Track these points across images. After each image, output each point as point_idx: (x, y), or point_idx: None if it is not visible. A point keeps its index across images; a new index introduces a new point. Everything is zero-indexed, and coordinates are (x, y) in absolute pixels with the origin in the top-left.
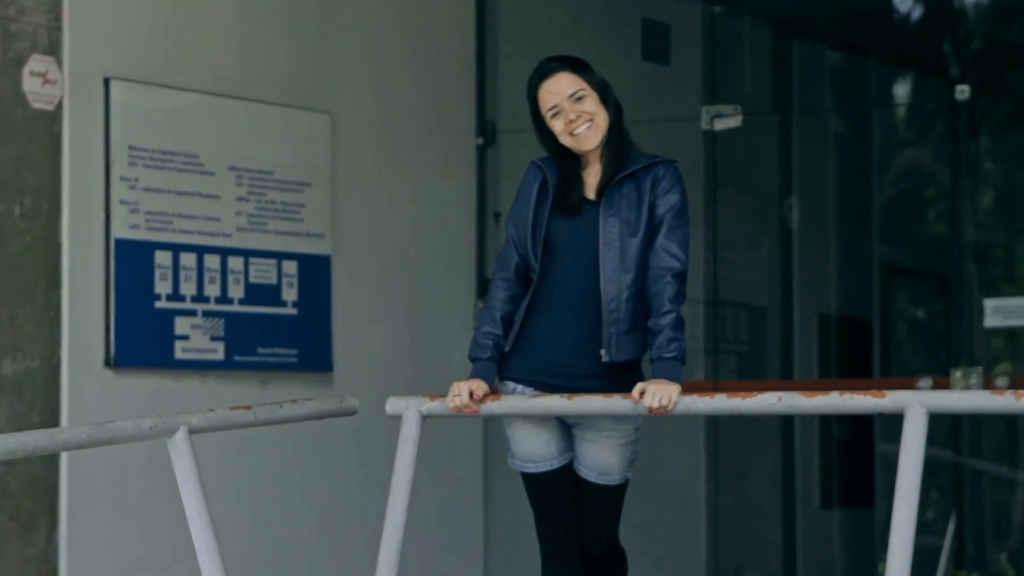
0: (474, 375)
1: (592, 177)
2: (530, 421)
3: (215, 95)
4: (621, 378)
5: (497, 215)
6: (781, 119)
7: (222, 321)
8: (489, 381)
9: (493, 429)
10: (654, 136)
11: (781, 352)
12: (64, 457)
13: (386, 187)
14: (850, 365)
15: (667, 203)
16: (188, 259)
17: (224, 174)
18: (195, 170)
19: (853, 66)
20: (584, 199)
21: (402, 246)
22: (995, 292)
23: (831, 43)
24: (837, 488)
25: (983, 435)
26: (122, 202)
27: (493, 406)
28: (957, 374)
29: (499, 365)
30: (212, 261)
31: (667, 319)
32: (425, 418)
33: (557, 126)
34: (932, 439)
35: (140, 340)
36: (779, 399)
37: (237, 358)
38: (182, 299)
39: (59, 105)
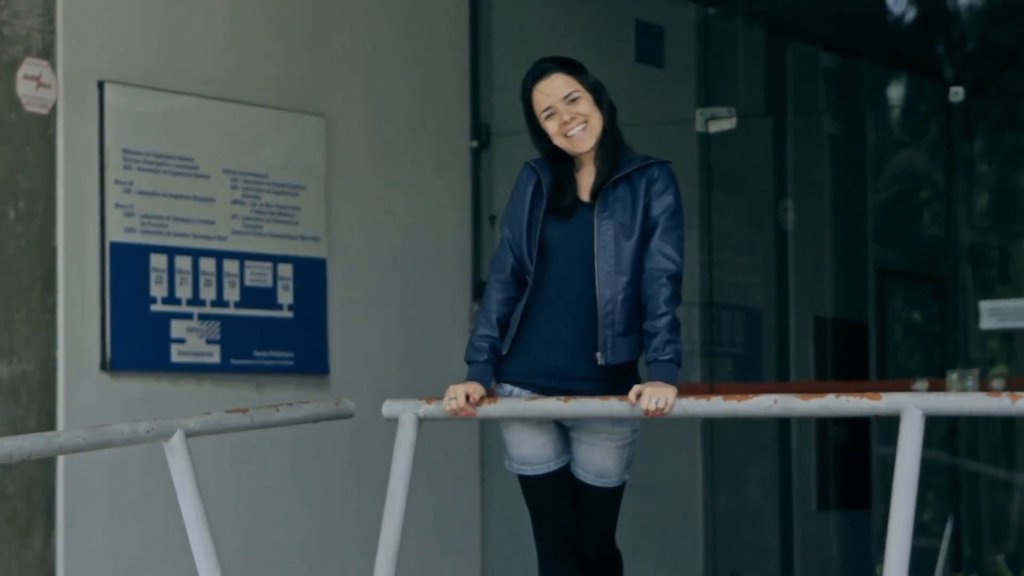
0: (470, 378)
1: (586, 179)
2: (527, 424)
3: (209, 98)
4: (617, 380)
5: (492, 217)
6: (775, 121)
7: (218, 324)
8: (485, 384)
9: (490, 432)
10: (648, 138)
11: (777, 354)
12: (61, 460)
13: (381, 190)
14: (846, 367)
15: (662, 205)
16: (183, 262)
17: (219, 177)
18: (190, 173)
19: (847, 68)
20: (578, 201)
21: (397, 249)
22: (990, 294)
23: (825, 45)
24: (834, 490)
25: (980, 437)
26: (117, 205)
27: (489, 409)
28: (953, 376)
29: (495, 368)
30: (207, 264)
31: (663, 321)
32: (421, 421)
33: (551, 127)
34: (929, 441)
35: (136, 343)
36: (775, 401)
37: (233, 361)
38: (178, 302)
39: (53, 108)
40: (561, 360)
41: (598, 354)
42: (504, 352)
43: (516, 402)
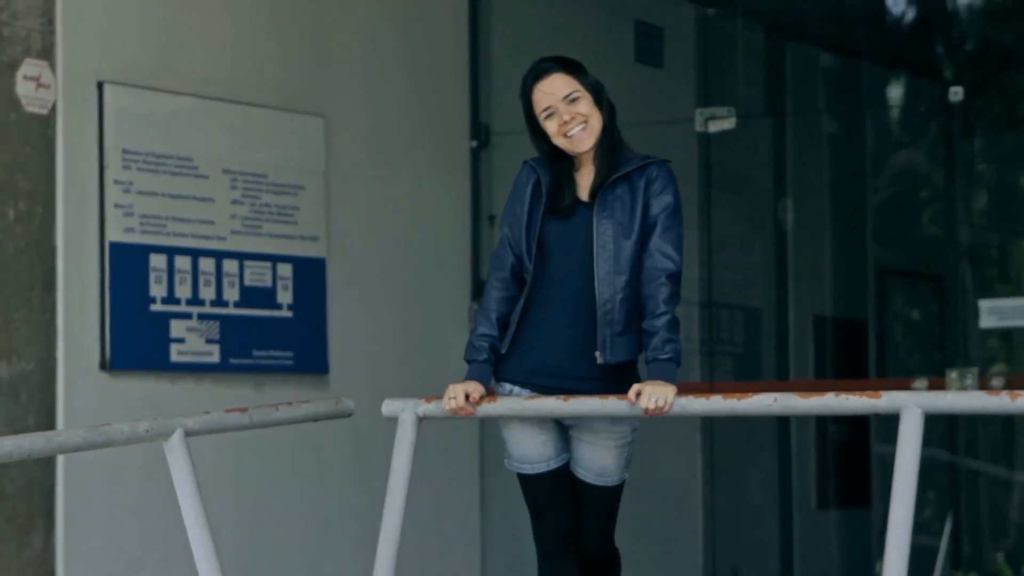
0: (470, 377)
1: (585, 178)
2: (527, 422)
3: (209, 98)
4: (617, 380)
5: (492, 217)
6: (775, 121)
7: (217, 324)
8: (485, 383)
9: (489, 431)
10: (648, 139)
11: (776, 353)
12: (60, 460)
13: (380, 190)
14: (845, 366)
15: (661, 204)
16: (183, 262)
17: (218, 177)
18: (189, 173)
19: (846, 68)
20: (577, 201)
21: (397, 248)
22: (990, 293)
23: (824, 45)
24: (833, 489)
25: (979, 436)
26: (116, 205)
27: (489, 408)
28: (953, 375)
29: (495, 367)
30: (207, 264)
31: (662, 320)
32: (421, 420)
33: (551, 127)
34: (928, 440)
35: (135, 343)
36: (775, 400)
37: (232, 361)
38: (177, 302)
39: (53, 109)
40: (560, 359)
41: (597, 353)
42: (503, 351)
43: (516, 401)
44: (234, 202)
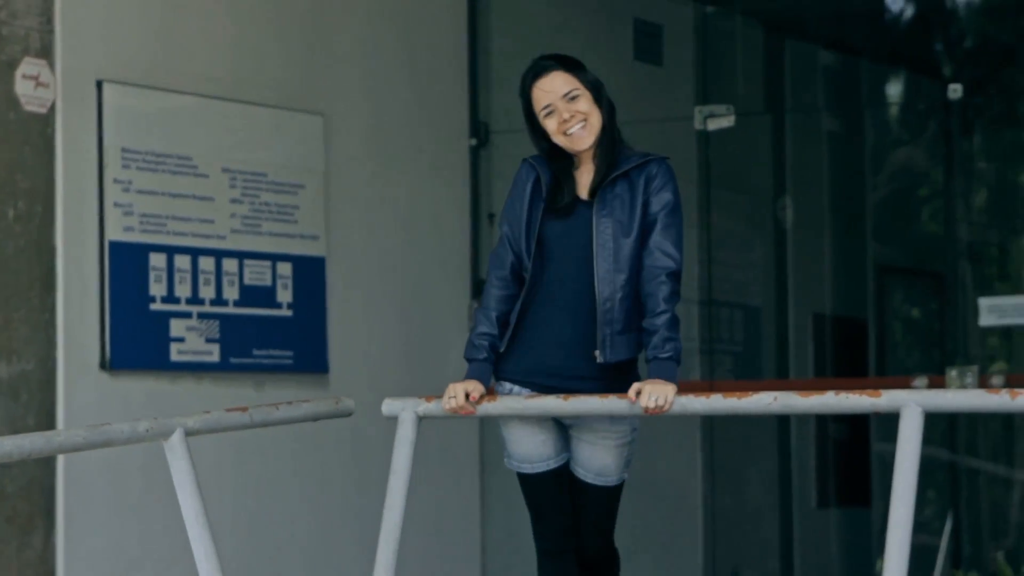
0: (470, 376)
1: (584, 177)
2: (527, 422)
3: (208, 97)
4: (617, 379)
5: (491, 215)
6: (774, 119)
7: (217, 323)
8: (485, 382)
9: (489, 430)
10: (647, 136)
11: (776, 352)
12: (61, 459)
13: (380, 188)
14: (845, 365)
15: (660, 201)
16: (182, 261)
17: (218, 176)
18: (189, 172)
19: (846, 66)
20: (577, 199)
21: (396, 247)
22: (989, 291)
23: (823, 43)
24: (834, 488)
25: (979, 434)
26: (116, 204)
27: (489, 407)
28: (952, 373)
29: (495, 366)
30: (207, 263)
31: (662, 319)
32: (421, 419)
33: (551, 125)
34: (928, 438)
35: (135, 342)
36: (775, 399)
37: (232, 360)
38: (177, 301)
39: (52, 108)
40: (560, 359)
41: (597, 352)
42: (503, 350)
43: (515, 400)
44: (233, 201)
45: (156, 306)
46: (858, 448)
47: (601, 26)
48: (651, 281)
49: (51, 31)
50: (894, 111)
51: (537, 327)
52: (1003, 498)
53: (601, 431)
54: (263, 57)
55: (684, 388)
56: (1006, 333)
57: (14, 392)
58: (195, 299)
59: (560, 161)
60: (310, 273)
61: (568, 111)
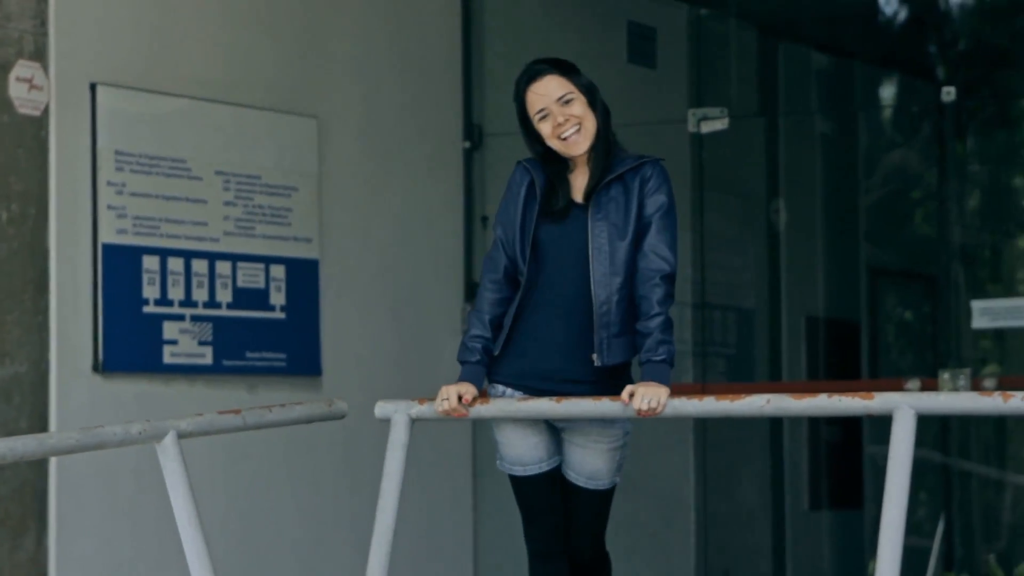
0: (463, 379)
1: (579, 180)
2: (519, 424)
3: (202, 100)
4: (610, 382)
5: (484, 218)
6: (767, 121)
7: (210, 326)
8: (478, 385)
9: (482, 432)
10: (641, 139)
11: (769, 354)
12: (53, 462)
13: (373, 191)
14: (838, 367)
15: (655, 203)
16: (176, 264)
17: (211, 179)
18: (182, 175)
19: (839, 68)
20: (572, 203)
21: (390, 250)
22: (982, 293)
23: (817, 45)
24: (826, 490)
25: (971, 436)
26: (109, 207)
27: (482, 409)
28: (945, 375)
29: (488, 368)
30: (200, 266)
31: (656, 322)
32: (414, 422)
33: (545, 129)
34: (921, 441)
35: (128, 345)
36: (768, 401)
37: (225, 362)
38: (170, 304)
39: (45, 111)
40: (554, 362)
41: (594, 355)
42: (497, 353)
43: (508, 403)
44: (227, 203)
45: (149, 308)
46: (850, 450)
47: (595, 29)
48: (645, 284)
49: (45, 34)
50: (887, 114)
51: (531, 330)
52: (995, 500)
53: (593, 435)
54: (256, 60)
55: (677, 390)
56: (999, 335)
57: (7, 394)
58: (188, 302)
59: (554, 164)
60: (303, 276)
61: (562, 115)
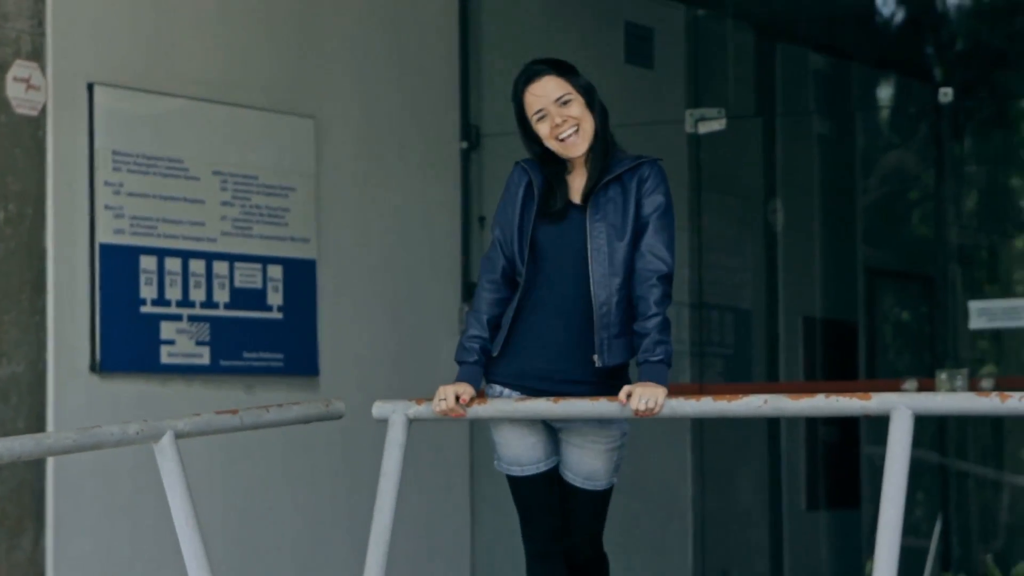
0: (460, 379)
1: (577, 181)
2: (517, 425)
3: (199, 100)
4: (608, 383)
5: (482, 219)
6: (765, 122)
7: (207, 326)
8: (475, 385)
9: (479, 432)
10: (638, 139)
11: (766, 355)
12: (50, 462)
13: (370, 191)
14: (835, 367)
15: (652, 203)
16: (173, 264)
17: (209, 179)
18: (180, 175)
19: (836, 69)
20: (570, 203)
21: (387, 250)
22: (979, 294)
23: (814, 46)
24: (823, 490)
25: (969, 437)
26: (107, 207)
27: (479, 410)
28: (942, 376)
29: (486, 368)
30: (197, 266)
31: (653, 322)
32: (411, 422)
33: (543, 130)
34: (918, 441)
35: (126, 345)
36: (765, 401)
37: (223, 362)
38: (167, 304)
39: (43, 110)
40: (552, 363)
41: (595, 356)
42: (495, 353)
43: (506, 403)
44: (224, 203)
45: (146, 308)
46: (848, 450)
47: (592, 29)
48: (642, 284)
49: (42, 34)
50: (885, 114)
51: (529, 331)
52: (992, 501)
53: (591, 435)
54: (254, 60)
55: (674, 390)
56: (996, 336)
57: (4, 394)
58: (185, 302)
59: (552, 165)
60: (301, 276)
61: (560, 116)
